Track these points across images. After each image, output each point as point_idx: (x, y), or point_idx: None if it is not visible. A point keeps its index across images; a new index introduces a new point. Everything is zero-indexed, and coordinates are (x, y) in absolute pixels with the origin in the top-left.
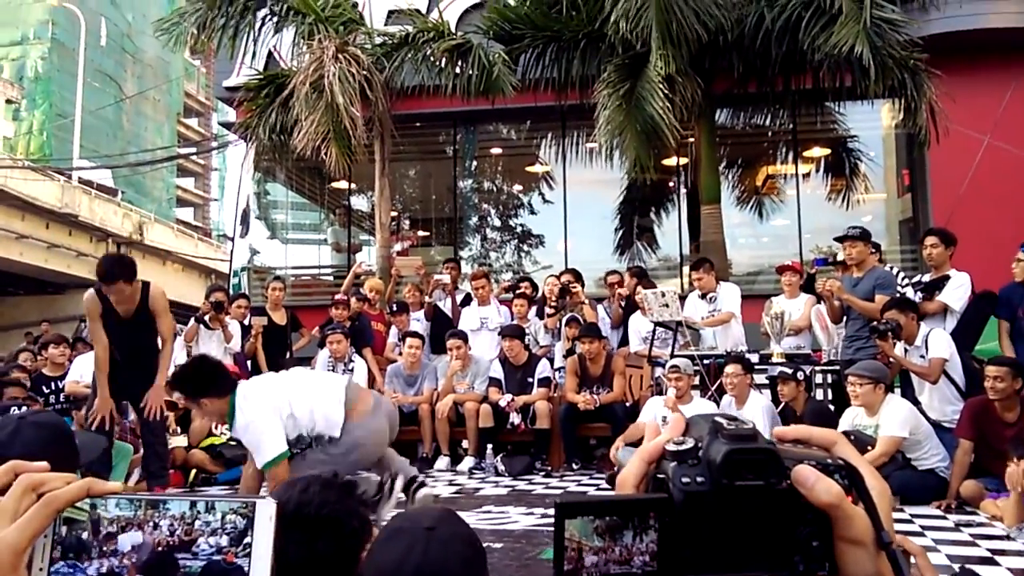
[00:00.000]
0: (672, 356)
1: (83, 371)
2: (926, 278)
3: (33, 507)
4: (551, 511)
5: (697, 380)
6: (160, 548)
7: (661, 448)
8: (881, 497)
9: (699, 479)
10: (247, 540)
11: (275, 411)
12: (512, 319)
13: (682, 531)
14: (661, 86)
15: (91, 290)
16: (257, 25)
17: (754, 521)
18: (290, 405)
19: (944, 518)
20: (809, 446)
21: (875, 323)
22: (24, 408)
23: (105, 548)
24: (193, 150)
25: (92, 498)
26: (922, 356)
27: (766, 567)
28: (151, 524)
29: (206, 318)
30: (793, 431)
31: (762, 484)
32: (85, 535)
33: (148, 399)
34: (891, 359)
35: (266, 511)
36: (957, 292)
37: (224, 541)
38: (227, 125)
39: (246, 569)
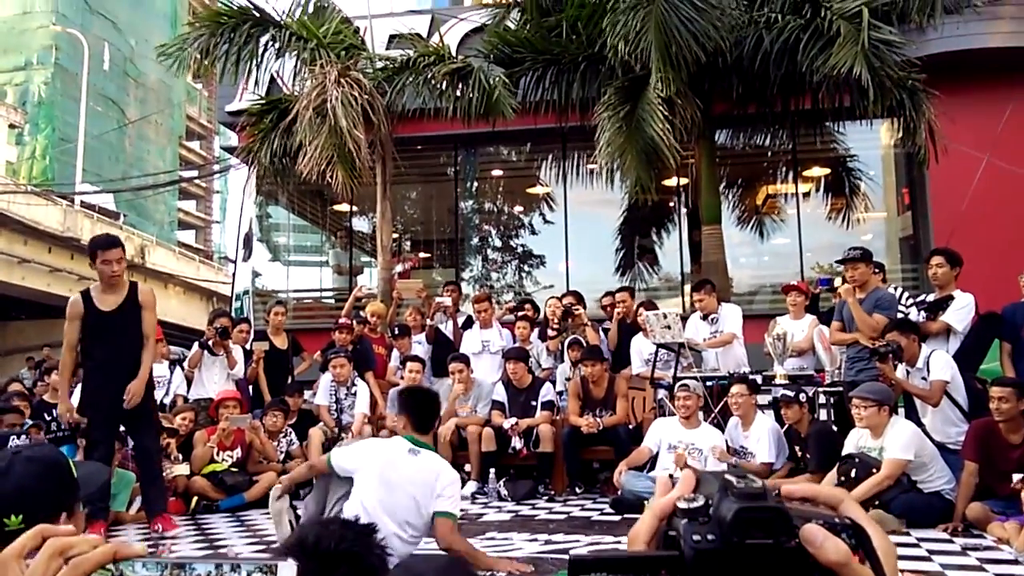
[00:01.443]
0: (675, 378)
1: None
2: (930, 298)
3: (62, 572)
4: (555, 537)
5: (702, 401)
6: None
7: (672, 505)
8: (888, 556)
9: (710, 537)
10: None
11: None
12: (514, 342)
13: None
14: (661, 108)
15: (76, 293)
16: (259, 51)
17: None
18: None
19: (951, 541)
20: (816, 504)
21: (876, 345)
22: (26, 437)
23: None
24: (195, 174)
25: (119, 562)
26: (924, 378)
27: None
28: None
29: (210, 343)
30: (800, 489)
31: (771, 543)
32: None
33: (130, 390)
34: (892, 381)
35: (288, 571)
36: (960, 313)
37: None
38: (230, 150)
39: None
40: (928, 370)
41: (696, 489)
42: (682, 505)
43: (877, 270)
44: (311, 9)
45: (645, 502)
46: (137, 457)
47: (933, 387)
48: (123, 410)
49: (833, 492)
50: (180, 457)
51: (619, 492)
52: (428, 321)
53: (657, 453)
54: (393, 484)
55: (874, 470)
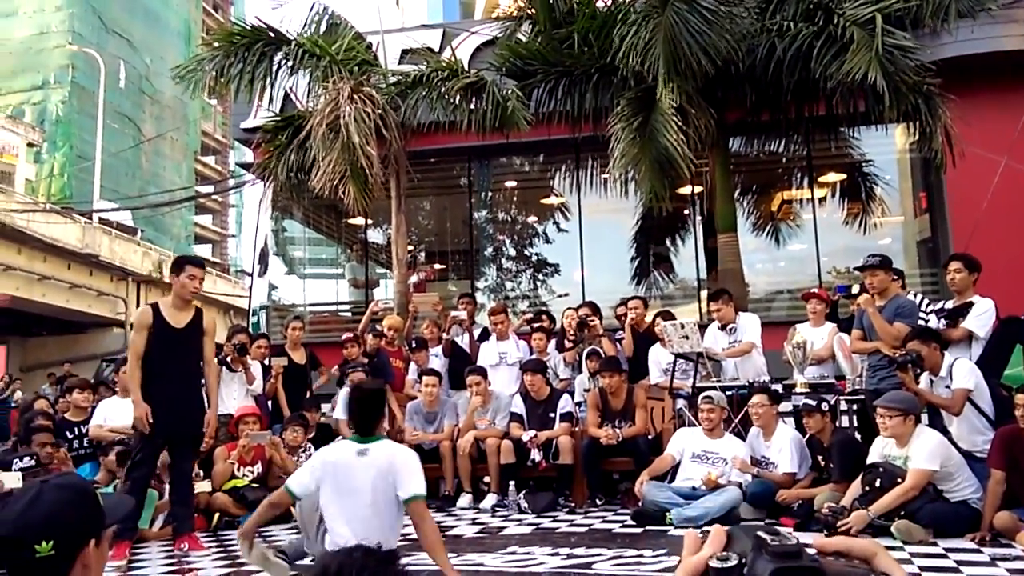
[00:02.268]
0: (694, 388)
1: (107, 415)
2: (949, 305)
3: None
4: (577, 551)
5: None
6: None
7: (704, 564)
8: None
9: None
10: None
11: None
12: (531, 353)
13: None
14: (674, 118)
15: (146, 305)
16: (273, 69)
17: None
18: None
19: (979, 551)
20: (851, 559)
21: (896, 354)
22: (28, 459)
23: None
24: (211, 189)
25: None
26: (947, 387)
27: None
28: None
29: (228, 360)
30: (833, 543)
31: None
32: None
33: (209, 423)
34: (913, 391)
35: None
36: (981, 319)
37: None
38: (245, 166)
39: None
40: (951, 379)
41: (728, 546)
42: (715, 564)
43: (896, 276)
44: (324, 26)
45: (667, 514)
46: (173, 477)
47: (955, 396)
48: (174, 429)
49: (866, 546)
50: (201, 474)
51: (640, 503)
52: (444, 335)
53: (679, 463)
54: (356, 490)
55: (899, 480)
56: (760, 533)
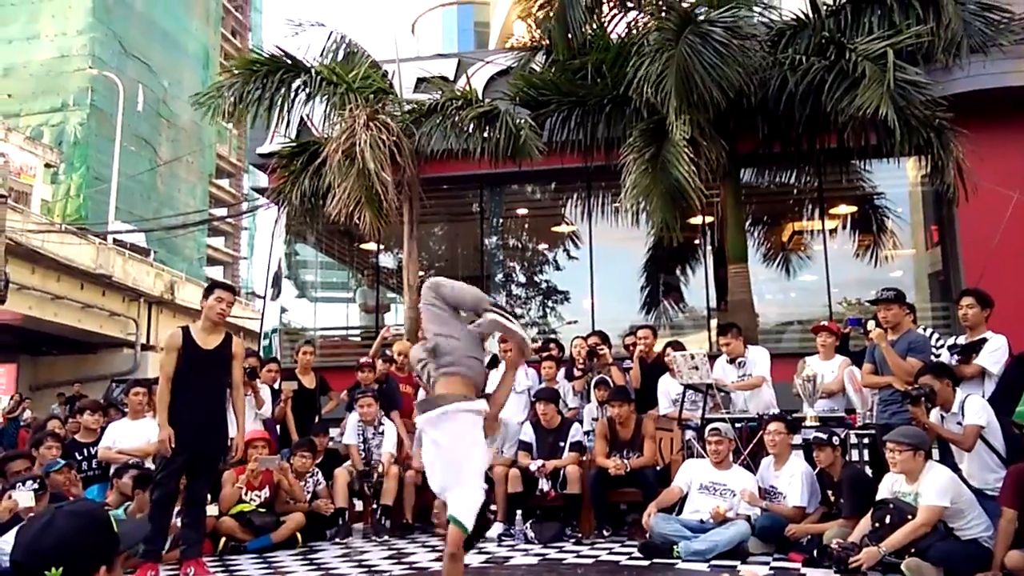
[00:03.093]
0: (703, 419)
1: (116, 437)
2: (961, 340)
3: None
4: None
5: (734, 445)
6: None
7: None
8: None
9: None
10: None
11: None
12: (540, 381)
13: None
14: (686, 149)
15: (177, 327)
16: (291, 96)
17: None
18: None
19: None
20: None
21: (908, 388)
22: (32, 482)
23: None
24: (225, 212)
25: None
26: (959, 423)
27: None
28: None
29: None
30: None
31: None
32: None
33: (238, 444)
34: (925, 426)
35: None
36: (995, 355)
37: None
38: (260, 190)
39: None
40: (963, 415)
41: None
42: None
43: (908, 311)
44: (341, 55)
45: (675, 547)
46: (186, 499)
47: (966, 431)
48: (196, 448)
49: None
50: (208, 497)
51: (648, 535)
52: None
53: (687, 495)
54: None
55: (909, 516)
56: None
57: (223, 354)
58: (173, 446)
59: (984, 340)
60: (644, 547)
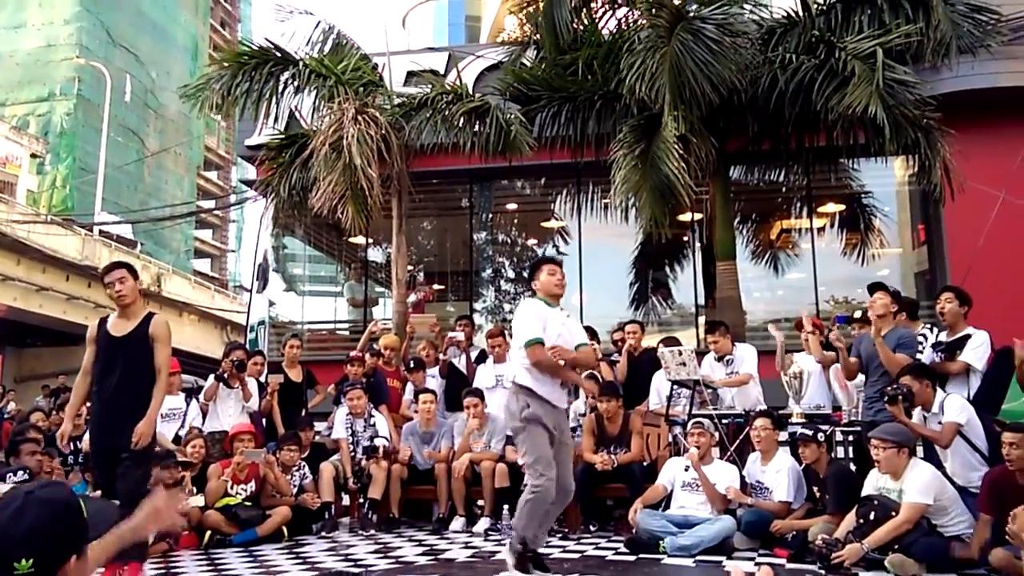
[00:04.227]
0: (689, 415)
1: None
2: (943, 336)
3: None
4: None
5: (716, 440)
6: None
7: None
8: None
9: None
10: None
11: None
12: None
13: None
14: (676, 146)
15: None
16: (279, 88)
17: None
18: None
19: None
20: None
21: (887, 387)
22: (21, 472)
23: None
24: (212, 204)
25: None
26: (940, 423)
27: None
28: None
29: (226, 376)
30: None
31: None
32: None
33: (138, 431)
34: (903, 423)
35: None
36: (978, 351)
37: None
38: (248, 182)
39: None
40: (943, 413)
41: None
42: None
43: (901, 307)
44: (329, 46)
45: (661, 542)
46: (118, 479)
47: (944, 429)
48: (103, 445)
49: None
50: (195, 490)
51: (634, 531)
52: (441, 356)
53: (671, 492)
54: None
55: (893, 513)
56: None
57: (136, 339)
58: (92, 445)
59: (967, 336)
60: (630, 542)
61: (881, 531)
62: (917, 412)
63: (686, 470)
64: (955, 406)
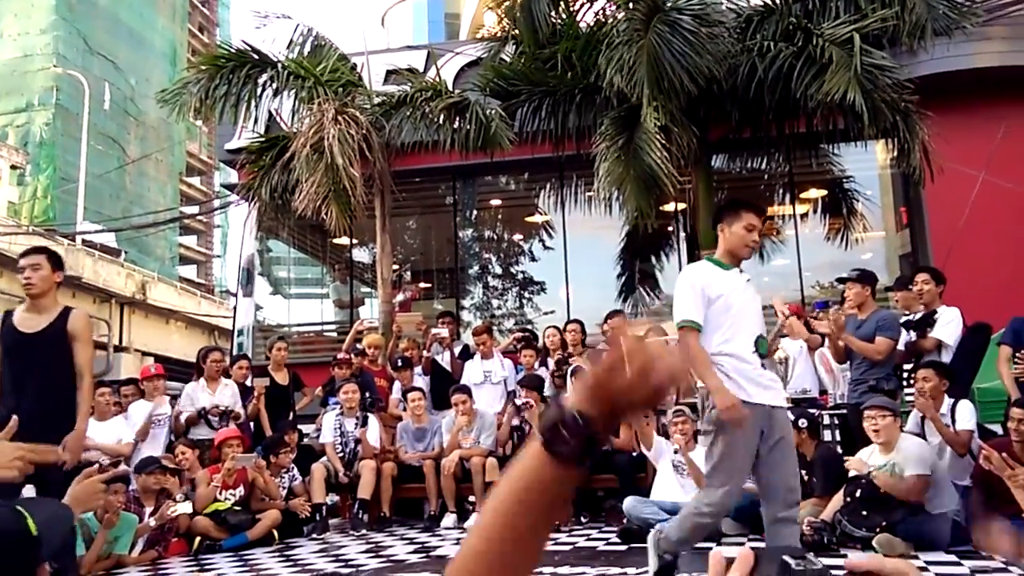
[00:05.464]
0: (677, 403)
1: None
2: (915, 317)
3: None
4: (561, 570)
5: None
6: None
7: None
8: None
9: None
10: None
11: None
12: (516, 371)
13: None
14: (658, 137)
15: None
16: (258, 91)
17: None
18: None
19: (959, 564)
20: None
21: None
22: None
23: None
24: (196, 210)
25: None
26: (947, 425)
27: None
28: None
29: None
30: (866, 563)
31: None
32: None
33: (66, 445)
34: (932, 420)
35: None
36: (949, 327)
37: None
38: (230, 187)
39: None
40: (952, 418)
41: (754, 571)
42: None
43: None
44: (308, 48)
45: (652, 530)
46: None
47: (961, 436)
48: (44, 470)
49: (898, 565)
50: (182, 496)
51: (625, 520)
52: (425, 353)
53: (658, 475)
54: None
55: (881, 492)
56: (785, 557)
57: (53, 337)
58: None
59: (934, 313)
60: (623, 533)
61: (891, 481)
62: (914, 416)
63: (675, 452)
64: (967, 412)
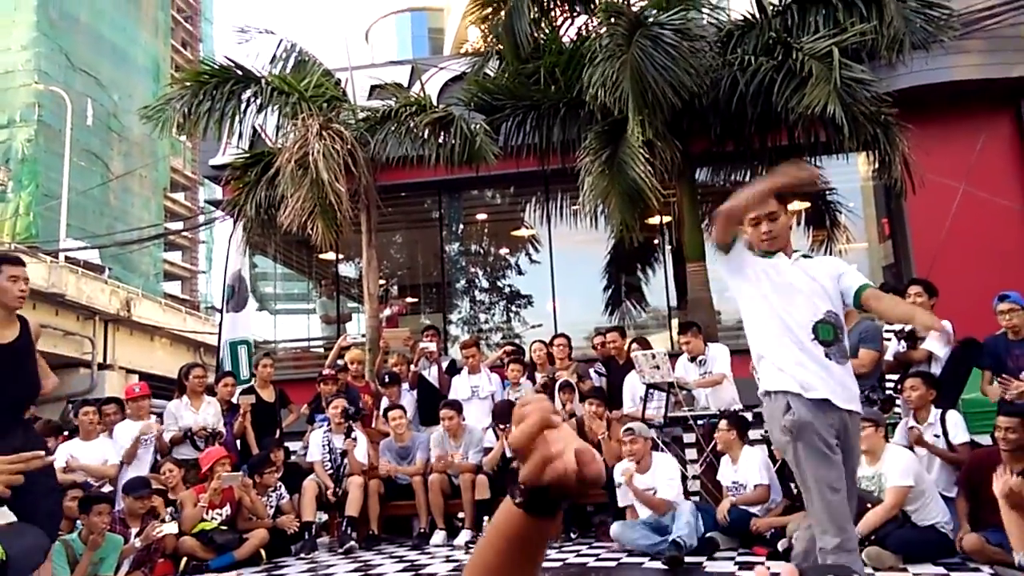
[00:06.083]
0: (665, 418)
1: (68, 455)
2: (907, 328)
3: None
4: None
5: (693, 439)
6: None
7: None
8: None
9: None
10: None
11: None
12: (504, 386)
13: None
14: (642, 150)
15: None
16: (242, 107)
17: None
18: None
19: None
20: None
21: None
22: None
23: None
24: (180, 226)
25: None
26: (936, 435)
27: None
28: None
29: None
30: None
31: None
32: None
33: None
34: (924, 445)
35: None
36: (941, 338)
37: None
38: (215, 203)
39: None
40: (942, 428)
41: None
42: None
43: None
44: (291, 63)
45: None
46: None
47: (961, 451)
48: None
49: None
50: (168, 516)
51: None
52: (412, 367)
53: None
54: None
55: (868, 505)
56: None
57: (24, 347)
58: None
59: None
60: (670, 560)
61: (870, 517)
62: (902, 425)
63: (621, 475)
64: (960, 423)
